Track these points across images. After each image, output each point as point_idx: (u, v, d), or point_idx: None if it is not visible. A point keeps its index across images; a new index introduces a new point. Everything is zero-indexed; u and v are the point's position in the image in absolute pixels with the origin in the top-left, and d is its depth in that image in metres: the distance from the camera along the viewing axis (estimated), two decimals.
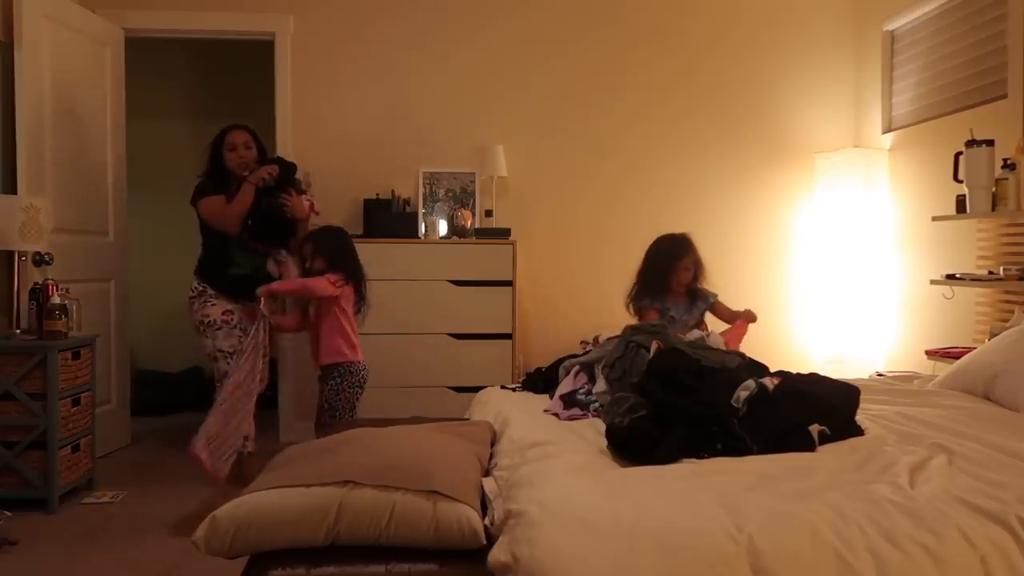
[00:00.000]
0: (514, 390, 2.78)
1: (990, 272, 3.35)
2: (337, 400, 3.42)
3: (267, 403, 5.16)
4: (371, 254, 4.22)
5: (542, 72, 4.69)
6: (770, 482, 1.58)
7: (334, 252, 3.49)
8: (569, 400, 2.37)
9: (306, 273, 3.48)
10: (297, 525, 1.57)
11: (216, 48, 5.53)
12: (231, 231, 3.48)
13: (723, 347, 2.49)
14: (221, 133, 3.60)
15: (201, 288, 3.52)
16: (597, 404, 2.25)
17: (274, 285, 3.39)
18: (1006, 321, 3.15)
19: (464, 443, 1.94)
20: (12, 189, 3.66)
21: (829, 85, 4.79)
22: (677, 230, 3.76)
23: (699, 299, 3.64)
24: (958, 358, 2.89)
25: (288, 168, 3.61)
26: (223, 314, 3.48)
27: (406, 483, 1.61)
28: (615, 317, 3.70)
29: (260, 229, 3.48)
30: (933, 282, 3.61)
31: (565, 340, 4.53)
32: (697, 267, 3.63)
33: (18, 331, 3.51)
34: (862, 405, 2.09)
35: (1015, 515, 1.44)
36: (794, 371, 2.30)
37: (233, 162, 3.52)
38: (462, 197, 4.56)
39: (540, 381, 2.73)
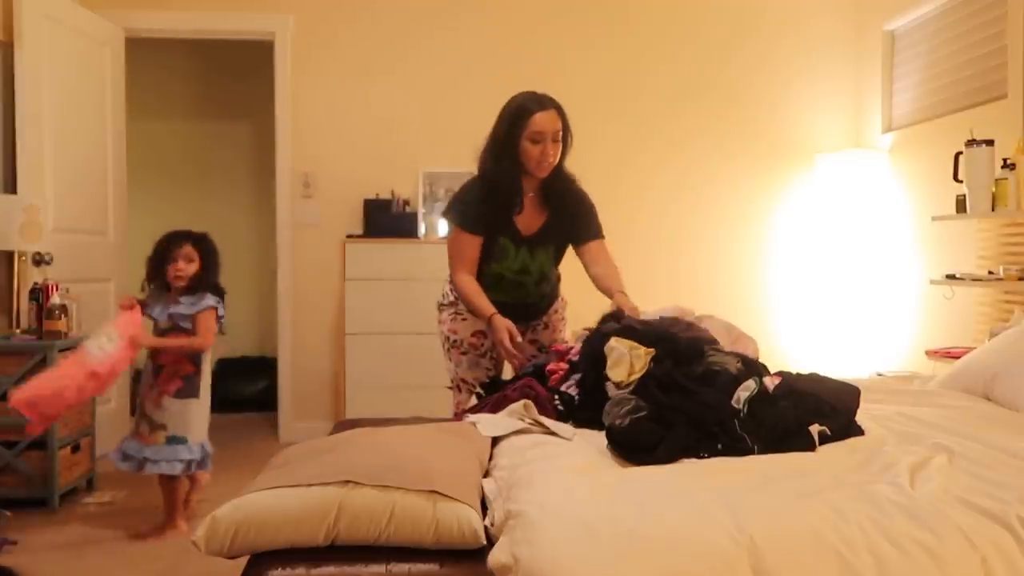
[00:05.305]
0: None
1: (990, 272, 3.35)
2: None
3: (266, 404, 5.19)
4: (371, 254, 4.22)
5: (542, 72, 4.69)
6: (771, 482, 1.58)
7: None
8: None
9: None
10: (297, 525, 1.57)
11: (216, 48, 5.53)
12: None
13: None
14: (517, 108, 2.52)
15: (453, 298, 2.81)
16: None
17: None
18: (1006, 321, 3.15)
19: (464, 443, 1.93)
20: (12, 189, 3.66)
21: (829, 85, 4.79)
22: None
23: None
24: (958, 358, 2.89)
25: None
26: (473, 335, 2.74)
27: (406, 483, 1.60)
28: None
29: None
30: (933, 282, 3.61)
31: None
32: None
33: (18, 331, 3.51)
34: (862, 405, 2.09)
35: (1016, 515, 1.44)
36: (794, 371, 2.29)
37: (533, 158, 2.55)
38: None
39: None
